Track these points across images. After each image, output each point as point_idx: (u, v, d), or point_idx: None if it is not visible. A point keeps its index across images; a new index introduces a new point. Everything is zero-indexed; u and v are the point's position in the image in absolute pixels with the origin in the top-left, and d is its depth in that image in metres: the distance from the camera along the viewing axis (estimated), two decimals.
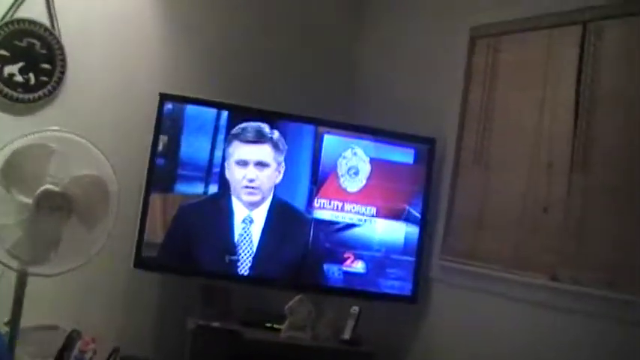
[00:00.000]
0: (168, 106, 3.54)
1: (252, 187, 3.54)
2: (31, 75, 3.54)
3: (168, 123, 3.55)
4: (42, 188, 2.94)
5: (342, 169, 3.66)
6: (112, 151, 3.08)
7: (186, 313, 3.58)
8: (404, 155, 3.73)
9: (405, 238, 3.71)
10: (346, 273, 3.68)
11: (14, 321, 3.06)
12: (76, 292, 3.49)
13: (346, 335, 3.59)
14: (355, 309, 3.60)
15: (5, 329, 3.05)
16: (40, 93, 3.56)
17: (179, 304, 3.68)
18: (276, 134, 3.59)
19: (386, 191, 3.70)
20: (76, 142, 3.02)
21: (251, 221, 3.56)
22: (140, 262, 3.52)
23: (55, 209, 2.95)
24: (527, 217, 3.26)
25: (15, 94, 3.51)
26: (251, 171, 3.54)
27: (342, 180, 3.67)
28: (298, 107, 3.71)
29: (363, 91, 4.23)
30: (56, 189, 2.95)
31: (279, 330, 3.58)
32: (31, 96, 3.54)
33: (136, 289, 3.71)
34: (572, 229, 3.06)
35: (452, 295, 3.57)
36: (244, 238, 3.56)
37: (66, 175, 2.97)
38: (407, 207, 3.70)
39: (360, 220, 3.68)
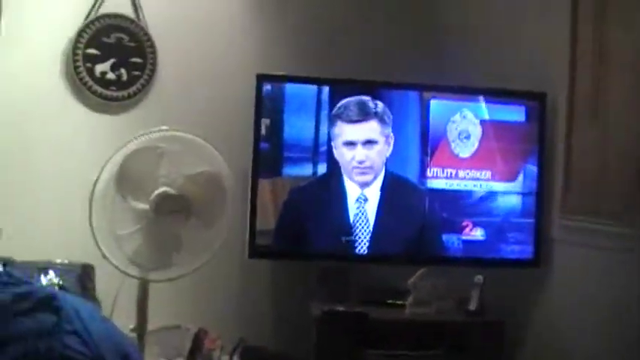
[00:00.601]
0: (267, 86, 3.40)
1: (364, 167, 3.40)
2: (123, 71, 3.44)
3: (268, 105, 3.41)
4: (158, 192, 2.84)
5: (452, 134, 3.49)
6: (213, 141, 2.96)
7: (304, 298, 3.48)
8: (515, 113, 3.55)
9: (523, 200, 3.55)
10: (466, 242, 3.54)
11: (140, 328, 3.01)
12: (194, 290, 3.41)
13: (472, 306, 3.46)
14: (479, 278, 3.46)
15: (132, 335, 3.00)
16: (134, 88, 3.46)
17: (297, 290, 3.58)
18: (380, 106, 3.42)
19: (499, 153, 3.52)
20: (185, 139, 2.92)
21: (365, 200, 3.43)
22: (255, 252, 3.42)
23: (173, 212, 2.85)
24: None
25: (109, 93, 3.42)
26: (360, 152, 3.39)
27: (453, 146, 3.50)
28: (398, 75, 3.53)
29: (457, 49, 4.00)
30: (172, 191, 2.85)
31: (402, 306, 3.46)
32: (125, 92, 3.45)
33: (253, 280, 3.62)
34: None
35: (576, 256, 3.39)
36: (360, 217, 3.44)
37: (179, 175, 2.88)
38: (522, 167, 3.52)
39: (476, 186, 3.52)
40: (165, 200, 2.84)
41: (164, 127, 2.88)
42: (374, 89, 3.44)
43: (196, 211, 2.89)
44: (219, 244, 2.99)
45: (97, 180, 2.78)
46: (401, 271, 3.48)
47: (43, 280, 2.78)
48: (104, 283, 3.07)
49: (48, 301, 2.45)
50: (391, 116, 3.43)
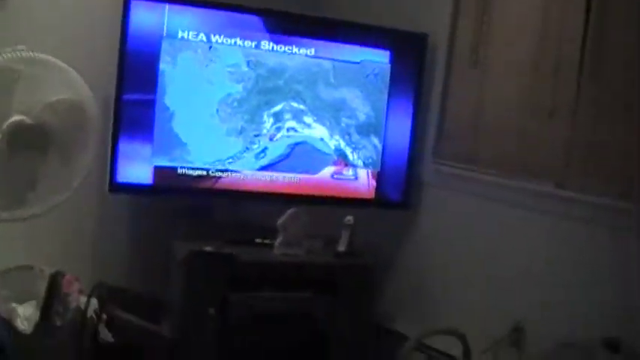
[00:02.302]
0: (137, 10, 3.09)
1: None
2: None
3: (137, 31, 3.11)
4: (11, 120, 2.52)
5: None
6: (75, 64, 2.66)
7: (167, 238, 3.28)
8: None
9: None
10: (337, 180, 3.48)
11: None
12: (49, 228, 3.09)
13: (342, 247, 3.40)
14: (349, 219, 3.40)
15: None
16: None
17: (159, 228, 3.36)
18: None
19: None
20: (45, 61, 2.59)
21: None
22: (116, 187, 3.16)
23: (30, 144, 2.55)
24: (531, 122, 3.05)
25: None
26: None
27: None
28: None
29: None
30: (28, 120, 2.53)
31: (270, 246, 3.34)
32: None
33: (113, 217, 3.36)
34: (580, 137, 2.88)
35: (446, 201, 3.41)
36: None
37: (37, 103, 2.56)
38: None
39: None
40: (20, 131, 2.53)
41: (20, 47, 2.53)
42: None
43: (55, 144, 2.60)
44: (79, 181, 2.72)
45: None
46: (268, 209, 3.35)
47: None
48: None
49: None
50: None
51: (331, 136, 3.45)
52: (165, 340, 3.09)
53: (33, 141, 2.55)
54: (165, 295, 3.32)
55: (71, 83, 2.62)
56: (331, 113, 3.43)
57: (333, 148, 3.45)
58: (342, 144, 3.46)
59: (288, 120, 3.38)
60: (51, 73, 2.59)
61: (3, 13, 3.07)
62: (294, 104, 3.39)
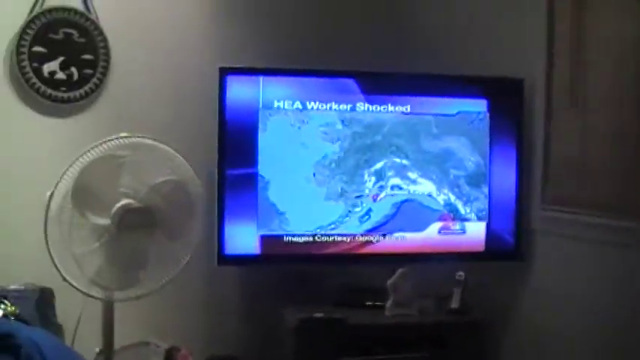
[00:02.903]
0: (232, 84, 3.16)
1: None
2: (73, 69, 3.18)
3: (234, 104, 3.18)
4: (119, 205, 2.60)
5: None
6: (175, 144, 2.73)
7: (277, 306, 3.29)
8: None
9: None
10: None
11: (107, 351, 2.79)
12: (161, 305, 3.15)
13: (454, 304, 3.32)
14: (461, 274, 3.32)
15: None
16: (87, 88, 3.20)
17: (268, 297, 3.37)
18: None
19: None
20: (146, 145, 2.68)
21: None
22: (225, 259, 3.20)
23: (137, 225, 2.62)
24: (626, 159, 2.91)
25: (60, 94, 3.16)
26: None
27: None
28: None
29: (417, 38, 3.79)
30: (135, 203, 2.61)
31: (381, 307, 3.31)
32: (77, 93, 3.19)
33: (222, 290, 3.41)
34: None
35: (559, 248, 3.26)
36: None
37: (142, 186, 2.64)
38: None
39: None
40: (128, 213, 2.61)
41: (123, 134, 2.62)
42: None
43: (162, 224, 2.66)
44: (188, 256, 2.77)
45: (51, 195, 2.53)
46: (376, 270, 3.32)
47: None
48: (65, 306, 2.82)
49: (4, 341, 2.23)
50: None
51: (439, 190, 3.39)
52: None
53: (141, 222, 2.61)
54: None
55: (173, 164, 2.69)
56: (437, 165, 3.38)
57: (442, 202, 3.39)
58: (452, 197, 3.40)
59: (391, 177, 3.35)
60: (153, 157, 2.67)
61: (104, 102, 3.21)
62: (397, 160, 3.34)
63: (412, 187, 3.36)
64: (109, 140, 2.61)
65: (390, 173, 3.35)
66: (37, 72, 3.12)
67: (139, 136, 2.65)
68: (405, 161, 3.35)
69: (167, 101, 3.31)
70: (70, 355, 2.38)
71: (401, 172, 3.35)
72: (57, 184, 2.54)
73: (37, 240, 2.55)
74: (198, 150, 2.96)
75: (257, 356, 3.29)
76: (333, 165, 3.30)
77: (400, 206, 3.35)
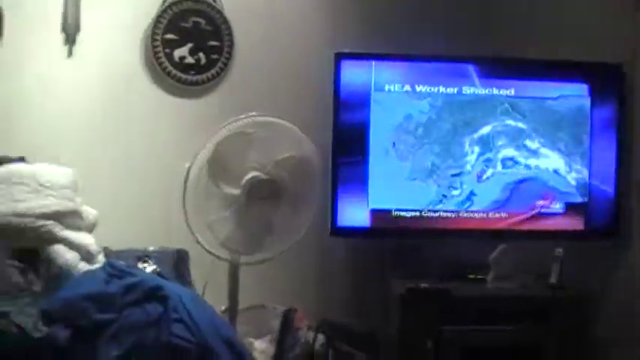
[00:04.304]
0: (346, 67, 3.39)
1: None
2: (201, 55, 3.45)
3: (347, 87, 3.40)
4: (248, 177, 2.87)
5: None
6: (294, 122, 2.97)
7: (383, 276, 3.50)
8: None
9: None
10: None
11: (231, 310, 3.06)
12: (277, 270, 3.41)
13: (553, 279, 3.46)
14: (559, 251, 3.46)
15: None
16: (213, 72, 3.47)
17: (376, 267, 3.59)
18: None
19: None
20: (273, 123, 2.93)
21: None
22: (336, 231, 3.44)
23: (265, 196, 2.88)
24: None
25: (189, 78, 3.44)
26: None
27: None
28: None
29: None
30: (263, 176, 2.87)
31: (483, 280, 3.49)
32: (204, 76, 3.47)
33: (333, 259, 3.63)
34: None
35: None
36: None
37: (269, 160, 2.90)
38: None
39: None
40: (256, 185, 2.87)
41: (253, 113, 2.88)
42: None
43: (286, 196, 2.92)
44: (307, 226, 3.02)
45: (190, 166, 2.82)
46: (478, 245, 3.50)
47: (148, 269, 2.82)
48: (195, 267, 3.10)
49: (155, 292, 2.53)
50: None
51: (569, 165, 3.34)
52: None
53: (267, 193, 2.87)
54: (382, 330, 3.52)
55: (297, 141, 2.93)
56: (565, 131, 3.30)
57: (574, 183, 3.38)
58: (585, 173, 3.37)
59: (502, 147, 3.34)
60: (279, 133, 2.92)
61: (227, 85, 3.48)
62: (510, 122, 3.28)
63: (532, 161, 3.39)
64: (240, 119, 2.87)
65: (500, 142, 3.36)
66: (169, 57, 3.41)
67: (266, 115, 2.91)
68: (521, 124, 3.26)
69: (285, 83, 3.55)
70: (206, 307, 2.65)
71: (516, 139, 3.33)
72: (195, 157, 2.82)
73: (175, 207, 2.83)
74: (313, 128, 3.16)
75: (365, 322, 3.49)
76: (420, 130, 3.38)
77: (514, 188, 3.38)
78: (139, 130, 3.40)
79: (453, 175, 3.42)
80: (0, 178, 2.62)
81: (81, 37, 3.33)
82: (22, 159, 2.89)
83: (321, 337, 3.31)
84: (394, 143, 3.40)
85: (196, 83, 3.45)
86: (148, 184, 3.36)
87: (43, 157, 2.92)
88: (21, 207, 2.55)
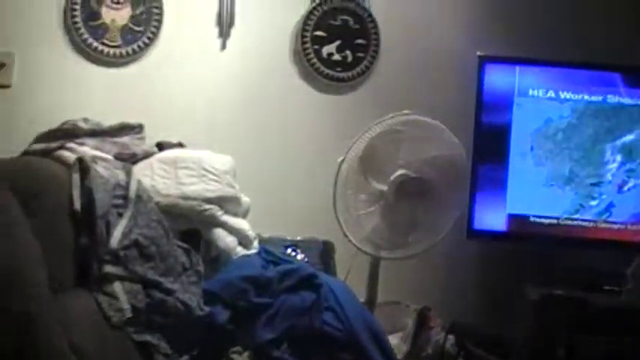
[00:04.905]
0: (490, 71, 3.40)
1: None
2: (348, 52, 3.52)
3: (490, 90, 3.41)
4: (397, 174, 2.92)
5: None
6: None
7: (517, 281, 3.49)
8: None
9: None
10: None
11: (370, 303, 3.12)
12: (412, 268, 3.45)
13: None
14: None
15: None
16: (358, 69, 3.53)
17: (509, 273, 3.58)
18: None
19: None
20: (424, 123, 2.98)
21: None
22: (473, 233, 3.46)
23: (412, 194, 2.93)
24: None
25: (335, 74, 3.51)
26: None
27: None
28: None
29: None
30: (411, 174, 2.92)
31: (619, 292, 3.43)
32: (350, 74, 3.53)
33: (468, 261, 3.65)
34: None
35: None
36: None
37: (418, 159, 2.94)
38: None
39: None
40: (404, 183, 2.92)
41: (406, 111, 2.94)
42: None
43: (432, 195, 2.96)
44: (449, 227, 3.05)
45: (342, 161, 2.89)
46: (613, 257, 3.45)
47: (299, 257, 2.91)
48: (339, 258, 3.17)
49: (310, 279, 2.61)
50: None
51: None
52: None
53: (415, 191, 2.92)
54: (513, 335, 3.51)
55: (446, 141, 2.97)
56: None
57: None
58: None
59: None
60: (429, 133, 2.96)
61: (372, 83, 3.55)
62: None
63: None
64: (393, 116, 2.93)
65: None
66: (317, 53, 3.49)
67: (418, 114, 2.96)
68: None
69: (428, 84, 3.57)
70: (355, 299, 2.73)
71: None
72: (347, 152, 2.89)
73: (325, 199, 2.91)
74: (454, 130, 3.17)
75: (496, 326, 3.49)
76: (560, 135, 3.35)
77: None
78: (287, 123, 3.49)
79: (592, 185, 3.38)
80: (166, 160, 2.75)
81: (234, 32, 3.44)
82: (180, 144, 3.00)
83: (451, 338, 3.33)
84: (532, 147, 3.39)
85: (342, 80, 3.52)
86: (295, 175, 3.45)
87: (199, 146, 3.04)
88: (187, 190, 2.66)
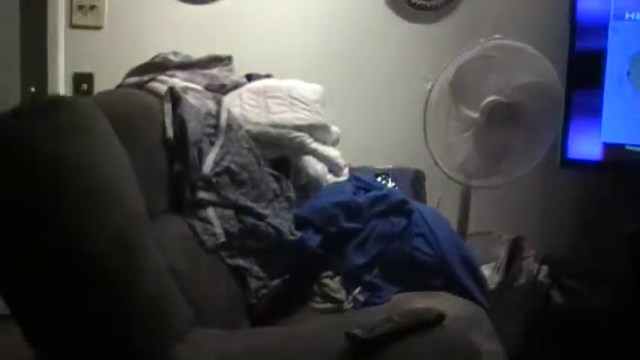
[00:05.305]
0: None
1: None
2: None
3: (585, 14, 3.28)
4: (488, 100, 2.87)
5: None
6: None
7: (615, 214, 3.40)
8: None
9: None
10: None
11: (462, 233, 3.10)
12: (505, 198, 3.42)
13: None
14: None
15: None
16: None
17: (607, 204, 3.49)
18: None
19: None
20: (516, 47, 2.90)
21: None
22: (567, 162, 3.37)
23: (504, 120, 2.87)
24: None
25: (424, 3, 3.47)
26: None
27: None
28: None
29: None
30: (503, 100, 2.86)
31: None
32: (438, 1, 3.46)
33: (563, 191, 3.57)
34: None
35: None
36: None
37: (509, 85, 2.87)
38: None
39: None
40: (496, 109, 2.87)
41: (497, 35, 2.87)
42: None
43: (525, 121, 2.90)
44: (544, 153, 2.98)
45: (432, 87, 2.85)
46: None
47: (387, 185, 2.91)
48: (429, 188, 3.16)
49: (400, 205, 2.60)
50: None
51: None
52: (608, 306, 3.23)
53: (506, 117, 2.86)
54: (606, 266, 3.43)
55: (539, 67, 2.89)
56: None
57: None
58: None
59: None
60: (521, 58, 2.89)
61: (462, 10, 3.47)
62: None
63: None
64: (483, 41, 2.86)
65: None
66: None
67: (509, 39, 2.88)
68: None
69: (520, 9, 3.49)
70: (446, 225, 2.70)
71: None
72: (436, 79, 2.85)
73: (414, 128, 2.89)
74: (548, 56, 3.08)
75: (590, 258, 3.43)
76: None
77: None
78: (378, 53, 3.49)
79: None
80: (255, 90, 2.76)
81: None
82: (269, 76, 3.01)
83: (544, 269, 3.29)
84: (629, 73, 3.27)
85: (431, 8, 3.45)
86: (387, 105, 3.45)
87: (290, 77, 3.05)
88: (276, 118, 2.68)
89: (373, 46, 3.46)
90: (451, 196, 3.07)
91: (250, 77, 2.93)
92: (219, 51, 3.08)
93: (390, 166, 3.05)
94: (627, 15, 3.28)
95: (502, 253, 3.24)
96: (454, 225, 3.07)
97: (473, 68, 2.86)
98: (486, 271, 3.25)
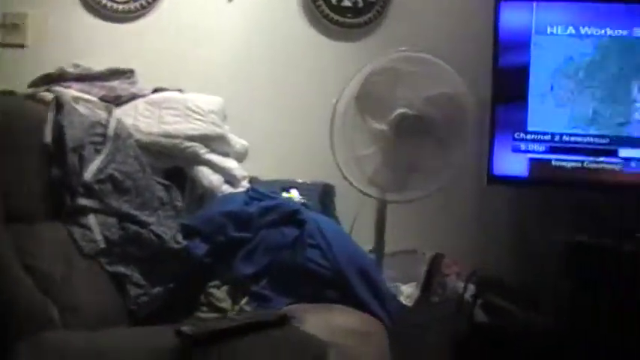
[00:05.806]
0: (506, 9, 3.25)
1: None
2: None
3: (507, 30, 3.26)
4: (396, 112, 2.83)
5: None
6: (453, 66, 2.88)
7: (543, 229, 3.34)
8: None
9: None
10: None
11: (378, 249, 3.04)
12: (431, 215, 3.36)
13: None
14: None
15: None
16: (370, 15, 3.45)
17: (535, 220, 3.43)
18: None
19: None
20: (423, 59, 2.87)
21: None
22: (493, 179, 3.31)
23: (412, 133, 2.83)
24: None
25: (346, 20, 3.44)
26: None
27: None
28: None
29: None
30: (411, 112, 2.82)
31: None
32: (361, 20, 3.45)
33: (491, 207, 3.51)
34: None
35: None
36: None
37: (418, 97, 2.84)
38: None
39: None
40: (404, 121, 2.82)
41: (402, 48, 2.84)
42: None
43: (434, 133, 2.85)
44: (457, 167, 2.93)
45: (337, 101, 2.82)
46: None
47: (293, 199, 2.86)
48: (343, 204, 3.10)
49: (292, 215, 2.56)
50: None
51: None
52: (541, 329, 3.15)
53: (415, 129, 2.82)
54: (540, 285, 3.35)
55: (448, 79, 2.85)
56: None
57: None
58: None
59: None
60: (428, 70, 2.85)
61: (384, 29, 3.46)
62: None
63: None
64: (389, 53, 2.84)
65: None
66: (326, 0, 3.42)
67: (415, 51, 2.85)
68: None
69: (443, 27, 3.46)
70: (345, 237, 2.65)
71: None
72: (342, 92, 2.82)
73: (323, 143, 2.85)
74: (472, 72, 3.06)
75: (518, 276, 3.36)
76: (581, 74, 3.16)
77: None
78: (294, 70, 3.44)
79: (619, 125, 3.18)
80: (152, 101, 2.76)
81: None
82: (179, 90, 2.99)
83: (471, 287, 3.21)
84: (552, 87, 3.23)
85: (353, 26, 3.44)
86: (299, 119, 3.40)
87: (204, 92, 3.03)
88: (170, 129, 2.67)
89: (287, 60, 3.43)
90: (368, 213, 3.01)
91: (157, 91, 2.92)
92: (136, 66, 3.09)
93: (300, 180, 3.00)
94: (549, 29, 3.25)
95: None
96: (371, 242, 3.02)
97: (380, 80, 2.82)
98: (409, 289, 3.19)
